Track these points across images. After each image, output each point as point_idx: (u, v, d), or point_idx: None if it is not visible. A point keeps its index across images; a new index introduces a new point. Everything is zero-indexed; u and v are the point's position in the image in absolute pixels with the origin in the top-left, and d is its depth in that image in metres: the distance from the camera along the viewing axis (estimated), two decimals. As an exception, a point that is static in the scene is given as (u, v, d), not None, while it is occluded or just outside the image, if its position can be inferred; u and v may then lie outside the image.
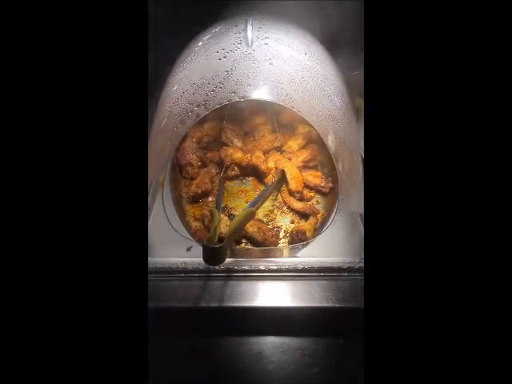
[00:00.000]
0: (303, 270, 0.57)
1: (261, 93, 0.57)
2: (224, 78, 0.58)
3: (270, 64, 0.60)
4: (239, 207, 0.78)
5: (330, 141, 0.62)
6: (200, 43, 0.71)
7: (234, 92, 0.57)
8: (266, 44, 0.62)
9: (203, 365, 0.52)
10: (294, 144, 0.86)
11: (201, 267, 0.57)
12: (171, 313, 0.54)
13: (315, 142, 0.86)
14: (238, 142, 0.87)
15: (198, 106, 0.57)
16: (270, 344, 0.54)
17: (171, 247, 0.61)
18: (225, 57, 0.61)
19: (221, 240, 0.53)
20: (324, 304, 0.54)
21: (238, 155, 0.82)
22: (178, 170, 0.82)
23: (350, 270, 0.57)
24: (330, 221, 0.64)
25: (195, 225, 0.73)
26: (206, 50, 0.66)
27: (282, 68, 0.60)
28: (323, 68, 0.65)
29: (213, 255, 0.51)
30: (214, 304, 0.54)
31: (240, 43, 0.62)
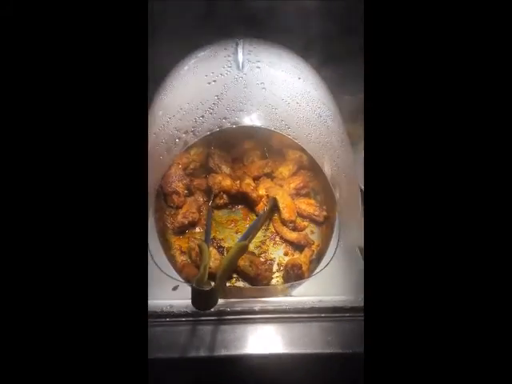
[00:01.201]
0: (302, 311, 0.53)
1: (254, 119, 0.53)
2: (214, 103, 0.54)
3: (263, 88, 0.56)
4: (229, 238, 0.73)
5: (327, 168, 0.59)
6: (186, 67, 0.68)
7: (225, 118, 0.53)
8: (257, 68, 0.59)
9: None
10: (284, 170, 0.83)
11: (188, 310, 0.52)
12: (155, 365, 0.48)
13: (306, 167, 0.84)
14: (226, 169, 0.83)
15: (185, 132, 0.53)
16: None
17: (155, 287, 0.55)
18: (214, 81, 0.57)
19: (212, 281, 0.47)
20: (326, 350, 0.49)
21: (227, 182, 0.78)
22: (163, 199, 0.77)
23: (353, 310, 0.52)
24: (330, 256, 0.60)
25: (181, 259, 0.69)
26: (194, 74, 0.62)
27: (276, 93, 0.56)
28: (318, 92, 0.62)
29: (203, 299, 0.46)
30: (205, 353, 0.48)
31: (230, 66, 0.59)
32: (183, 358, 0.48)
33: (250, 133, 0.84)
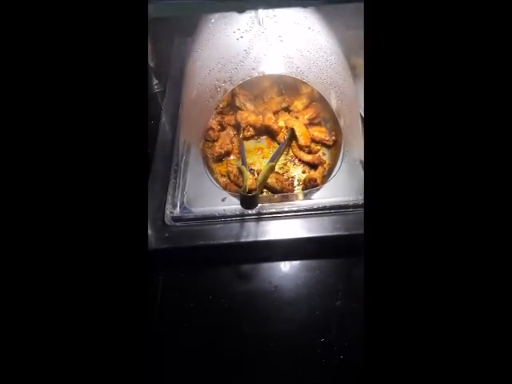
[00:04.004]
0: (318, 209, 0.73)
1: (275, 68, 0.69)
2: (244, 57, 0.69)
3: (281, 41, 0.71)
4: (257, 162, 0.91)
5: (333, 102, 0.75)
6: (213, 20, 0.81)
7: (254, 68, 0.69)
8: (275, 22, 0.73)
9: (247, 284, 0.69)
10: (299, 104, 0.97)
11: (237, 212, 0.73)
12: (218, 248, 0.70)
13: (317, 100, 0.97)
14: (250, 106, 0.98)
15: (224, 82, 0.70)
16: (296, 265, 0.70)
17: (210, 200, 0.76)
18: (241, 37, 0.72)
19: (253, 190, 0.67)
20: (335, 233, 0.70)
21: (252, 118, 0.94)
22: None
23: (354, 206, 0.72)
24: (337, 169, 0.79)
25: (223, 180, 0.87)
26: (223, 30, 0.76)
27: (291, 44, 0.71)
28: (324, 39, 0.76)
29: (249, 201, 0.66)
30: (251, 239, 0.70)
31: (253, 23, 0.73)
32: (237, 243, 0.70)
33: (272, 77, 0.98)
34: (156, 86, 1.07)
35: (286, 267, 0.70)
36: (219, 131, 0.95)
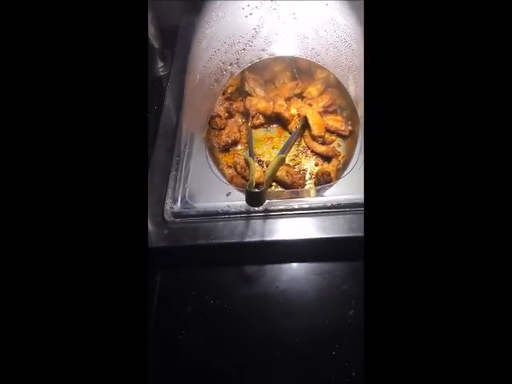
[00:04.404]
0: (331, 207, 0.66)
1: (288, 49, 0.62)
2: (253, 36, 0.62)
3: (295, 18, 0.63)
4: (266, 153, 0.84)
5: (351, 88, 0.68)
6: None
7: (263, 49, 0.61)
8: (288, -3, 0.66)
9: (252, 288, 0.63)
10: (313, 90, 0.90)
11: (242, 209, 0.66)
12: (221, 248, 0.64)
13: (334, 86, 0.90)
14: (260, 91, 0.91)
15: (230, 64, 0.63)
16: (306, 268, 0.64)
17: (214, 194, 0.70)
18: (251, 14, 0.65)
19: (261, 185, 0.61)
20: (350, 234, 0.63)
21: (262, 104, 0.87)
22: (208, 122, 0.88)
23: (372, 204, 0.65)
24: (353, 163, 0.72)
25: (229, 172, 0.81)
26: (231, 7, 0.69)
27: (306, 22, 0.63)
28: (343, 17, 0.68)
29: (255, 198, 0.60)
30: (257, 238, 0.64)
31: (264, -2, 0.66)
32: (241, 242, 0.64)
33: (285, 60, 0.90)
34: (161, 69, 1.01)
35: (294, 270, 0.65)
36: (226, 119, 0.88)
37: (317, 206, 0.66)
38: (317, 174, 0.76)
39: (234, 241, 0.64)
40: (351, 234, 0.63)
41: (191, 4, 0.98)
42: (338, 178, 0.74)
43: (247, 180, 0.71)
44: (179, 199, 0.69)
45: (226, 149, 0.85)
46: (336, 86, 0.89)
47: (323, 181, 0.73)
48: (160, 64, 1.00)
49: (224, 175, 0.79)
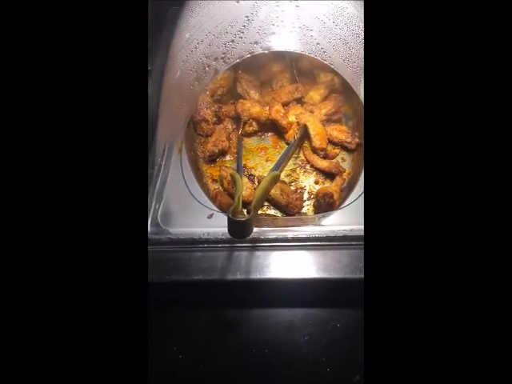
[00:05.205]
0: (334, 239, 0.54)
1: (287, 42, 0.50)
2: (244, 26, 0.51)
3: (297, 6, 0.52)
4: (259, 166, 0.74)
5: (363, 93, 0.56)
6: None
7: (257, 42, 0.50)
8: (290, -20, 0.54)
9: (233, 336, 0.51)
10: (315, 94, 0.81)
11: (224, 238, 0.54)
12: (196, 286, 0.53)
13: (339, 91, 0.81)
14: (254, 94, 0.81)
15: (215, 59, 0.51)
16: (301, 316, 0.52)
17: (192, 216, 0.58)
18: (243, -2, 0.53)
19: (247, 211, 0.49)
20: (357, 275, 0.51)
21: (256, 109, 0.77)
22: (192, 128, 0.76)
23: (384, 238, 0.53)
24: (361, 183, 0.60)
25: (214, 187, 0.71)
26: (220, -10, 0.57)
27: (311, 11, 0.52)
28: (356, 8, 0.56)
29: (239, 228, 0.48)
30: (241, 276, 0.52)
31: (260, -20, 0.54)
32: (222, 281, 0.52)
33: (279, 54, 0.79)
34: (143, 65, 0.89)
35: (286, 317, 0.53)
36: (214, 124, 0.78)
37: (316, 237, 0.55)
38: (317, 194, 0.65)
39: (212, 277, 0.52)
40: (357, 276, 0.51)
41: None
42: (342, 199, 0.63)
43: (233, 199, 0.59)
44: (149, 222, 0.57)
45: (212, 159, 0.75)
46: (342, 91, 0.80)
47: (324, 203, 0.62)
48: (142, 59, 0.89)
49: (208, 191, 0.68)
